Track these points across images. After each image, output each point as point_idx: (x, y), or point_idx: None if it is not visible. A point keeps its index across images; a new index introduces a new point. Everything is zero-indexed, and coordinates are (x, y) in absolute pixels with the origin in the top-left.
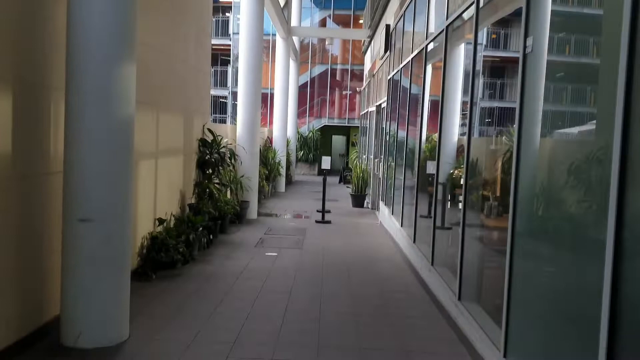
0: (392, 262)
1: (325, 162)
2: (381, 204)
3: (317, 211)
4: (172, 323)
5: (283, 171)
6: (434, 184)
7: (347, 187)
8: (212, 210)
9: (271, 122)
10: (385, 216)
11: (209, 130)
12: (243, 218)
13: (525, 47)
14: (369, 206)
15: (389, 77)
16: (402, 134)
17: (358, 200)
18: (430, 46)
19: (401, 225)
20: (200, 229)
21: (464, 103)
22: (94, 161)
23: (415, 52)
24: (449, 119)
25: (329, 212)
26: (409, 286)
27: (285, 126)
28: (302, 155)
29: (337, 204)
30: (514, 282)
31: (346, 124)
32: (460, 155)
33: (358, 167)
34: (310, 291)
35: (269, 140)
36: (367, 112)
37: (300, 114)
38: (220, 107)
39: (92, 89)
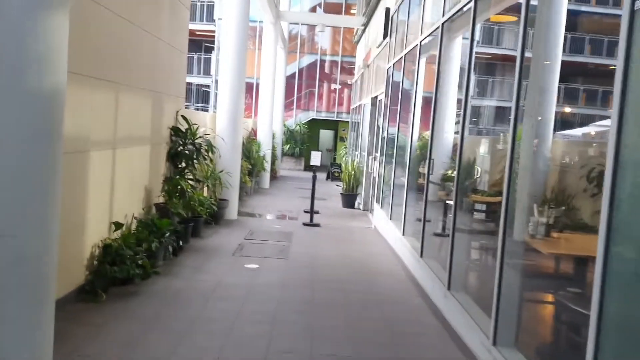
0: (394, 280)
1: (315, 158)
2: (375, 206)
3: (305, 211)
4: None
5: (268, 166)
6: (446, 188)
7: (337, 185)
8: (182, 212)
9: (256, 114)
10: (381, 220)
11: (183, 117)
12: (221, 219)
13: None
14: (361, 207)
15: (387, 66)
16: (405, 129)
17: (349, 200)
18: (448, 26)
19: (403, 234)
20: (167, 234)
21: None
22: None
23: (425, 35)
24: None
25: (317, 212)
26: (420, 315)
27: (271, 118)
28: (288, 149)
29: (326, 204)
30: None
31: (334, 118)
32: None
33: (350, 165)
34: (299, 321)
35: (253, 132)
36: (360, 105)
37: (287, 105)
38: (203, 96)
39: None
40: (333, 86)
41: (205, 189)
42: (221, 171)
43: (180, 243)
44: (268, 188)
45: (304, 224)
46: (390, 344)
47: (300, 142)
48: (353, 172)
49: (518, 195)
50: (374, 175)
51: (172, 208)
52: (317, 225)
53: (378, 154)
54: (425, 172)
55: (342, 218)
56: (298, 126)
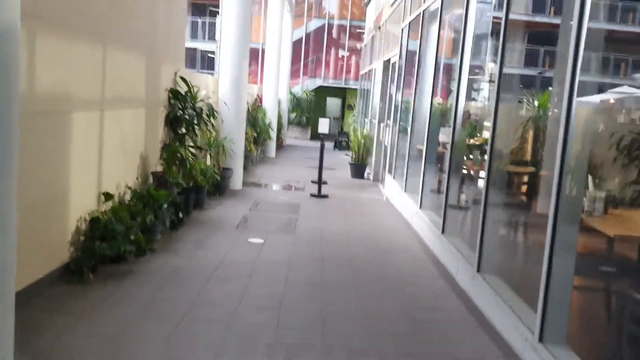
0: (411, 257)
1: (323, 125)
2: (387, 177)
3: (312, 182)
4: None
5: (273, 134)
6: (474, 158)
7: (346, 155)
8: (182, 182)
9: (261, 80)
10: (394, 192)
11: (183, 79)
12: (225, 189)
13: None
14: (370, 177)
15: (402, 26)
16: (424, 92)
17: (358, 170)
18: None
19: (420, 207)
20: (165, 206)
21: None
22: None
23: None
24: None
25: (325, 183)
26: (444, 301)
27: (277, 85)
28: (295, 117)
29: (334, 174)
30: None
31: (342, 85)
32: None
33: (359, 133)
34: (307, 307)
35: (259, 99)
36: (370, 70)
37: (293, 72)
38: (208, 63)
39: None
40: (341, 52)
41: (208, 157)
42: (224, 138)
43: (180, 215)
44: (274, 157)
45: (312, 195)
46: (411, 335)
47: (307, 110)
48: (363, 141)
49: (566, 166)
50: (386, 144)
51: (171, 177)
52: (325, 196)
53: (391, 121)
54: (444, 140)
55: (352, 189)
56: (305, 93)
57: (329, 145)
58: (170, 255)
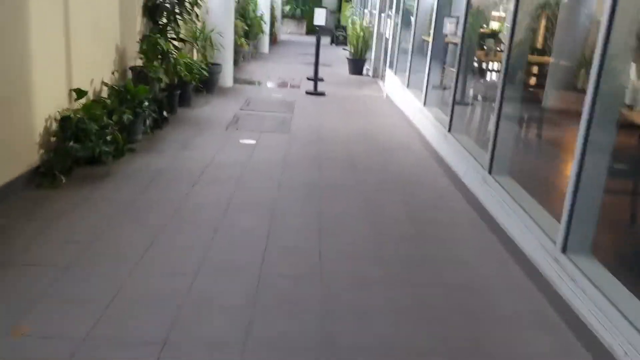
0: (415, 157)
1: (319, 16)
2: (388, 72)
3: (308, 79)
4: (65, 273)
5: (266, 28)
6: (487, 47)
7: (344, 49)
8: (164, 77)
9: None
10: (395, 88)
11: None
12: (214, 86)
13: None
14: (370, 73)
15: None
16: None
17: (357, 65)
18: None
19: (424, 104)
20: (146, 103)
21: None
22: None
23: None
24: None
25: (322, 80)
26: (452, 202)
27: None
28: (289, 10)
29: (331, 70)
30: None
31: None
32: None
33: (358, 25)
34: (304, 211)
35: None
36: None
37: None
38: None
39: None
40: None
41: (195, 52)
42: (211, 31)
43: (164, 114)
44: (267, 53)
45: (307, 93)
46: (417, 237)
47: (302, 3)
48: (362, 34)
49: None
50: (387, 37)
51: (152, 72)
52: (321, 94)
53: (392, 11)
54: (451, 30)
55: (350, 86)
56: None
57: (325, 40)
58: (152, 156)
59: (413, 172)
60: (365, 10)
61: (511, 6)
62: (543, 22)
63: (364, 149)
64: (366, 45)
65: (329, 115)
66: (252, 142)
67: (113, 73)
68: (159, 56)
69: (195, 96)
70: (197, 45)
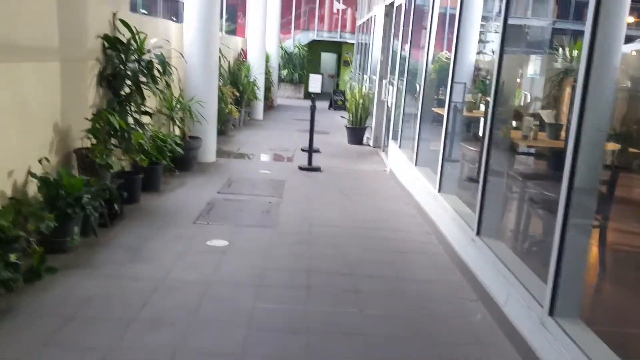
0: (433, 265)
1: (314, 83)
2: (391, 145)
3: (302, 150)
4: None
5: (260, 93)
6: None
7: (342, 117)
8: (113, 162)
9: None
10: (401, 164)
11: (124, 22)
12: (192, 163)
13: None
14: (370, 143)
15: None
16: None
17: (356, 135)
18: None
19: (439, 190)
20: (85, 198)
21: None
22: None
23: None
24: None
25: (317, 151)
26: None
27: (263, 37)
28: (287, 74)
29: (329, 139)
30: None
31: (338, 39)
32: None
33: (357, 92)
34: None
35: (243, 53)
36: (368, 19)
37: (284, 25)
38: (170, 9)
39: None
40: (336, 5)
41: (172, 124)
42: (191, 100)
43: (116, 207)
44: (261, 120)
45: (301, 168)
46: None
47: (299, 67)
48: (361, 101)
49: None
50: (389, 105)
51: (98, 157)
52: (317, 169)
53: (395, 77)
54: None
55: (349, 158)
56: (297, 48)
57: (323, 105)
58: (83, 275)
59: (436, 298)
60: (365, 76)
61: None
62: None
63: (368, 255)
64: (366, 113)
65: (324, 199)
66: (224, 243)
67: (47, 160)
68: (113, 134)
69: (167, 177)
70: (174, 117)
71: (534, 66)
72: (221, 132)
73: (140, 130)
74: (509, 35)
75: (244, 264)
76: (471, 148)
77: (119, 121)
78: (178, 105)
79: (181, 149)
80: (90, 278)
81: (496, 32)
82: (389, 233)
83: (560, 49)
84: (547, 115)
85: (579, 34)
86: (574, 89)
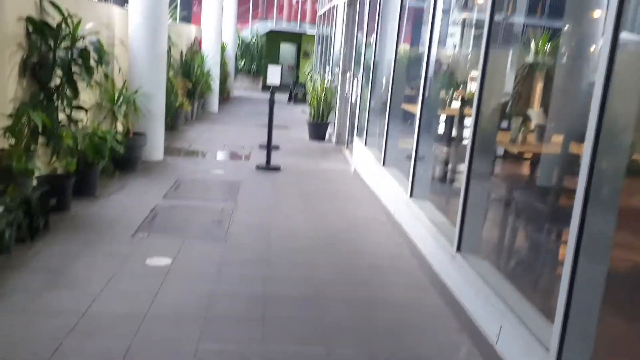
0: (408, 285)
1: (273, 75)
2: (356, 142)
3: (260, 147)
4: None
5: (215, 85)
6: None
7: (304, 112)
8: (35, 166)
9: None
10: (368, 164)
11: (53, 4)
12: (136, 163)
13: None
14: (333, 139)
15: None
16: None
17: (318, 130)
18: None
19: (411, 195)
20: None
21: None
22: None
23: None
24: None
25: (277, 148)
26: None
27: (219, 26)
28: (244, 65)
29: (289, 135)
30: None
31: (297, 30)
32: None
33: (319, 85)
34: None
35: (198, 43)
36: (330, 9)
37: (241, 14)
38: None
39: None
40: None
41: (117, 119)
42: (135, 92)
43: (39, 221)
44: (217, 113)
45: (259, 168)
46: None
47: (257, 58)
48: (323, 95)
49: None
50: (352, 100)
51: (15, 162)
52: (276, 168)
53: (360, 71)
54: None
55: (310, 156)
56: (255, 38)
57: (283, 97)
58: None
59: (414, 330)
60: (327, 68)
61: None
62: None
63: (335, 274)
64: (329, 108)
65: (285, 205)
66: (166, 262)
67: None
68: (38, 133)
69: (106, 180)
70: (115, 111)
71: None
72: (171, 127)
73: (73, 128)
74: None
75: (188, 290)
76: (444, 148)
77: (43, 118)
78: (121, 98)
79: (123, 147)
80: None
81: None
82: (357, 245)
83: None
84: (536, 116)
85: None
86: (546, 84)
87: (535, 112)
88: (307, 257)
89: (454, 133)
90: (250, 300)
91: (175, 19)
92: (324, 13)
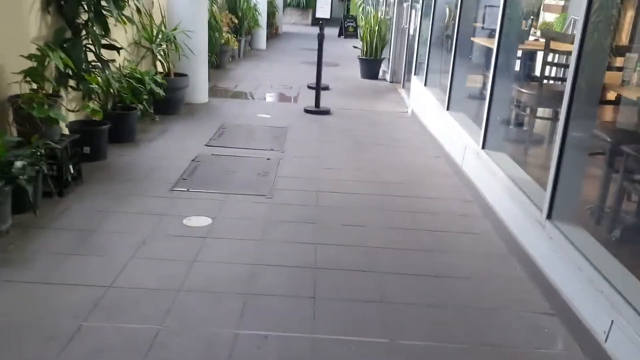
0: (486, 254)
1: (323, 7)
2: (414, 81)
3: (309, 87)
4: None
5: (262, 20)
6: None
7: (355, 47)
8: (58, 114)
9: None
10: (428, 107)
11: None
12: (178, 105)
13: None
14: (387, 77)
15: None
16: None
17: (371, 67)
18: None
19: (483, 146)
20: (18, 164)
21: None
22: None
23: None
24: None
25: (326, 88)
26: None
27: None
28: None
29: (340, 73)
30: None
31: None
32: None
33: (372, 17)
34: None
35: None
36: None
37: None
38: None
39: None
40: None
41: (158, 59)
42: (174, 29)
43: (71, 172)
44: (264, 49)
45: (307, 111)
46: None
47: None
48: (377, 28)
49: None
50: (410, 33)
51: (36, 110)
52: (326, 112)
53: (420, 2)
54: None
55: (363, 96)
56: None
57: (333, 32)
58: (10, 270)
59: (495, 313)
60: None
61: None
62: None
63: (395, 239)
64: (383, 43)
65: (336, 154)
66: (206, 222)
67: None
68: (65, 77)
69: (146, 124)
70: (154, 50)
71: None
72: (217, 65)
73: (106, 71)
74: None
75: (229, 257)
76: (527, 91)
77: (64, 59)
78: (159, 36)
79: (164, 89)
80: (4, 288)
81: None
82: (420, 203)
83: None
84: None
85: None
86: None
87: None
88: (362, 216)
89: (536, 71)
90: (297, 272)
91: None
92: None
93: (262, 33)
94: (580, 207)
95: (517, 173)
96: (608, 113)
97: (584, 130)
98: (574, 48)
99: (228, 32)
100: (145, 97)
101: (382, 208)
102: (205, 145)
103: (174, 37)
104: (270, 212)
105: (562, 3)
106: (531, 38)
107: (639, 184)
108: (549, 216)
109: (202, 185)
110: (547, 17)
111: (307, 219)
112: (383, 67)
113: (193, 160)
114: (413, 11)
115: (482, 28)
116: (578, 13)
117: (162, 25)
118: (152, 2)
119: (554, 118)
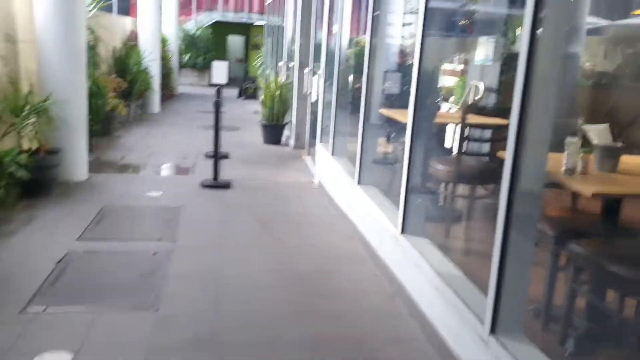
0: None
1: (219, 72)
2: (320, 149)
3: (206, 156)
4: None
5: (156, 82)
6: None
7: (255, 112)
8: None
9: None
10: (336, 177)
11: None
12: (49, 185)
13: None
14: (291, 142)
15: None
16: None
17: (273, 133)
18: None
19: (402, 230)
20: None
21: None
22: None
23: None
24: None
25: (226, 157)
26: None
27: (159, 17)
28: (189, 59)
29: (240, 137)
30: None
31: (245, 20)
32: None
33: (272, 82)
34: None
35: (133, 36)
36: None
37: (183, 4)
38: None
39: None
40: None
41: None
42: (45, 100)
43: None
44: (158, 113)
45: (204, 185)
46: None
47: (203, 51)
48: (278, 93)
49: None
50: (313, 99)
51: None
52: (225, 185)
53: (322, 67)
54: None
55: (266, 165)
56: (199, 30)
57: (232, 93)
58: None
59: None
60: (280, 63)
61: None
62: None
63: (314, 353)
64: (284, 107)
65: (238, 240)
66: (66, 358)
67: None
68: None
69: (6, 212)
70: (20, 125)
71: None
72: (103, 133)
73: None
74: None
75: None
76: (443, 167)
77: None
78: (26, 108)
79: (29, 169)
80: None
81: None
82: (339, 302)
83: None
84: (598, 133)
85: None
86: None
87: (595, 129)
88: (273, 328)
89: (454, 146)
90: None
91: (101, 7)
92: (273, 1)
93: (155, 96)
94: (526, 314)
95: (447, 268)
96: (553, 196)
97: (528, 222)
98: (512, 124)
99: (116, 97)
100: (4, 181)
101: (296, 313)
102: (78, 239)
103: (46, 108)
104: (154, 333)
105: (462, 67)
106: (444, 106)
107: (588, 285)
108: (492, 331)
109: (67, 299)
110: (445, 81)
111: (203, 340)
112: (286, 131)
113: (59, 261)
114: (316, 77)
115: (383, 92)
116: (476, 77)
117: (29, 95)
118: (18, 70)
119: (486, 196)
